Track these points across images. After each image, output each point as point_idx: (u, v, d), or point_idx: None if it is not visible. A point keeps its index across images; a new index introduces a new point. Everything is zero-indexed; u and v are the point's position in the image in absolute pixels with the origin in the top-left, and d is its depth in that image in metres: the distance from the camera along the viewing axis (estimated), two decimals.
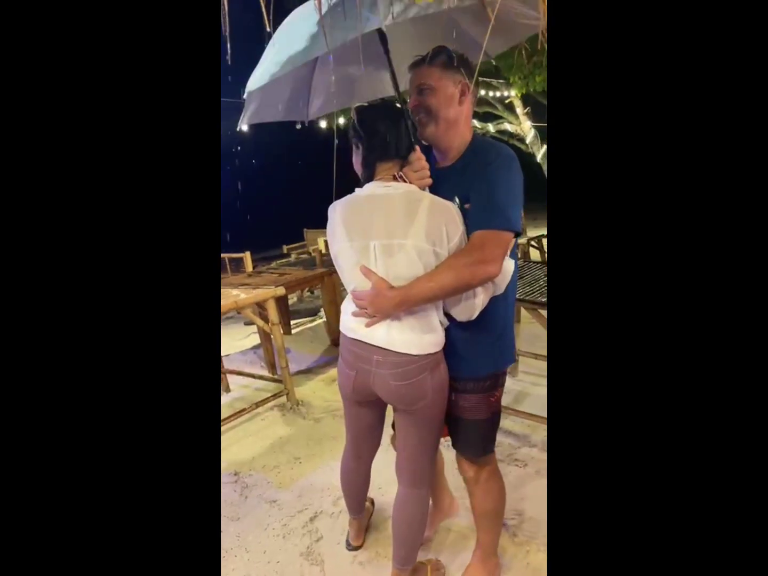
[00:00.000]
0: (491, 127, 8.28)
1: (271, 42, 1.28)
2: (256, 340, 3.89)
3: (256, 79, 1.26)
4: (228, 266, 4.70)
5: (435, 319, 1.19)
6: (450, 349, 1.23)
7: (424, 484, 1.36)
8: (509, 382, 2.85)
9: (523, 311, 2.68)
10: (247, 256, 4.55)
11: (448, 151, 1.22)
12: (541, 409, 2.37)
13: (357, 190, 1.18)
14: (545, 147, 7.95)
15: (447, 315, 1.22)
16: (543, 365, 2.92)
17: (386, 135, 1.13)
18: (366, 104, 1.22)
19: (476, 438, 1.32)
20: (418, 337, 1.17)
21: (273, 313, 2.74)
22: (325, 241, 5.18)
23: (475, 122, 8.20)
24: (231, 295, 2.64)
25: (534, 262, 2.97)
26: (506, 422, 2.41)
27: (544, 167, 8.11)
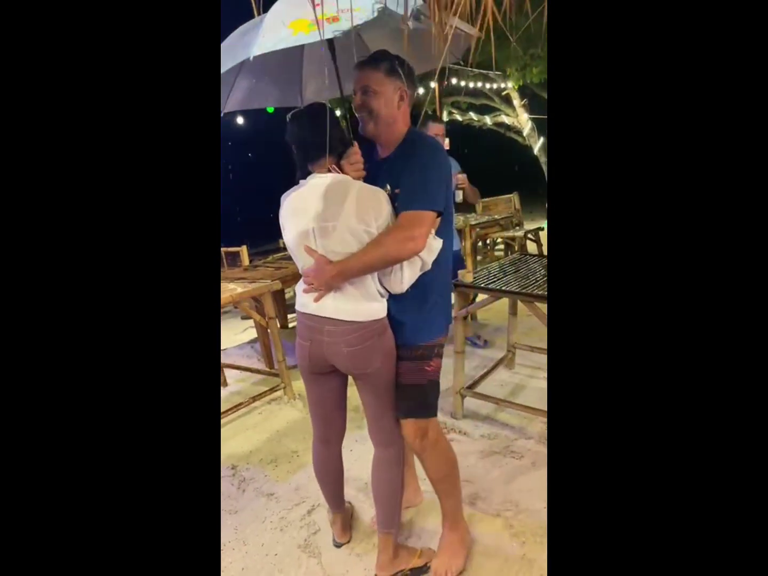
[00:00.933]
0: (488, 120, 8.26)
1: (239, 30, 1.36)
2: (253, 334, 3.89)
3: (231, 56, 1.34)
4: (224, 260, 4.69)
5: (373, 289, 1.32)
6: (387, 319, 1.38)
7: (393, 443, 1.45)
8: (505, 375, 2.86)
9: (519, 304, 2.68)
10: (243, 250, 4.55)
11: (385, 145, 1.37)
12: (537, 401, 2.38)
13: (300, 182, 1.34)
14: (542, 139, 7.93)
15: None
16: (539, 358, 2.93)
17: (318, 137, 1.26)
18: (299, 109, 1.35)
19: (416, 402, 1.40)
20: (361, 306, 1.31)
21: (269, 307, 2.73)
22: None
23: (472, 115, 8.17)
24: (227, 289, 2.63)
25: (531, 255, 2.97)
26: (502, 414, 2.43)
27: (541, 159, 8.09)
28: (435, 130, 2.77)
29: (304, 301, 1.36)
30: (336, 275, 1.27)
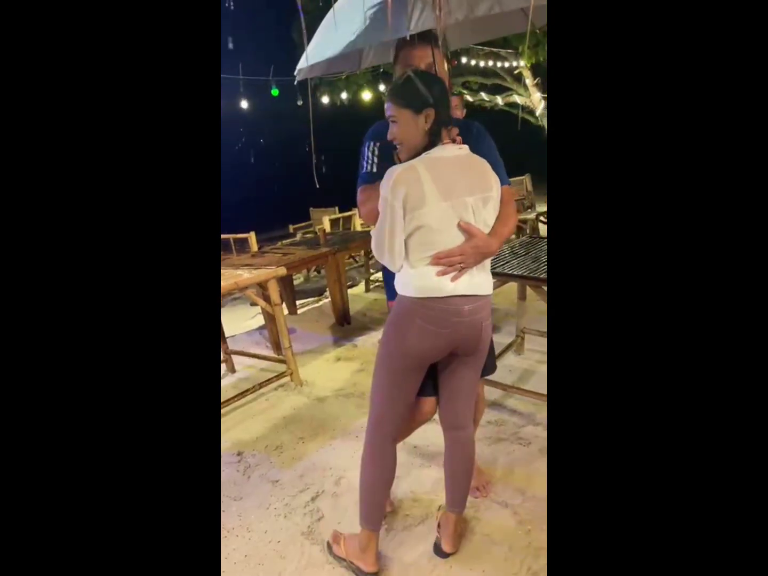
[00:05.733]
0: (500, 100, 8.08)
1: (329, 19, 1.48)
2: (261, 320, 3.88)
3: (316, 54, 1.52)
4: (233, 246, 4.68)
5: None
6: None
7: (473, 420, 1.52)
8: (514, 360, 2.81)
9: (528, 288, 2.62)
10: (251, 236, 4.52)
11: None
12: (546, 387, 2.33)
13: (430, 153, 1.21)
14: None
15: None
16: None
17: (449, 101, 1.23)
18: (420, 71, 1.26)
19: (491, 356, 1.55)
20: (488, 278, 1.34)
21: (274, 293, 2.71)
22: (330, 220, 5.15)
23: (483, 95, 8.00)
24: (233, 276, 2.61)
25: (542, 238, 2.90)
26: (511, 401, 2.39)
27: None
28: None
29: (439, 285, 1.23)
30: (497, 248, 1.28)
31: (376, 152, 1.36)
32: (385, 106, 1.24)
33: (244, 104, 4.74)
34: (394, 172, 1.18)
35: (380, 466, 1.42)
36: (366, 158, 1.38)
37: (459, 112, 2.75)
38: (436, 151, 1.21)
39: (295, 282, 4.47)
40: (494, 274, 2.19)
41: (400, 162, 1.24)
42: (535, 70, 7.45)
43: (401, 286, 1.28)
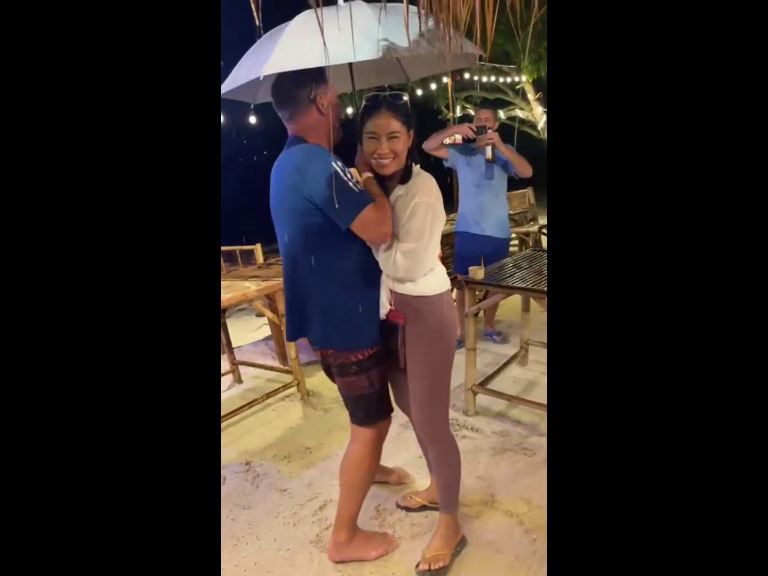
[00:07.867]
0: (502, 114, 8.17)
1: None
2: (267, 331, 3.91)
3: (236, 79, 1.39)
4: (239, 258, 4.73)
5: None
6: None
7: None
8: (518, 372, 2.84)
9: (532, 300, 2.66)
10: (257, 248, 4.57)
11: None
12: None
13: (416, 167, 1.37)
14: None
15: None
16: None
17: None
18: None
19: None
20: None
21: (282, 304, 2.75)
22: None
23: None
24: (241, 288, 2.66)
25: (544, 251, 2.94)
26: (515, 411, 2.41)
27: None
28: (481, 114, 2.82)
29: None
30: None
31: (347, 171, 1.30)
32: (381, 122, 1.26)
33: (252, 119, 4.83)
34: (430, 180, 1.34)
35: (457, 450, 1.56)
36: (348, 179, 1.28)
37: (492, 125, 2.80)
38: (416, 167, 1.36)
39: None
40: (499, 287, 2.24)
41: (371, 174, 1.34)
42: (537, 84, 7.55)
43: (437, 284, 1.40)
